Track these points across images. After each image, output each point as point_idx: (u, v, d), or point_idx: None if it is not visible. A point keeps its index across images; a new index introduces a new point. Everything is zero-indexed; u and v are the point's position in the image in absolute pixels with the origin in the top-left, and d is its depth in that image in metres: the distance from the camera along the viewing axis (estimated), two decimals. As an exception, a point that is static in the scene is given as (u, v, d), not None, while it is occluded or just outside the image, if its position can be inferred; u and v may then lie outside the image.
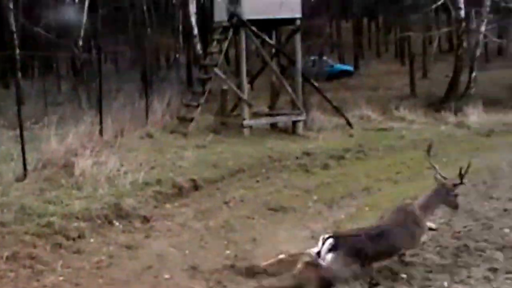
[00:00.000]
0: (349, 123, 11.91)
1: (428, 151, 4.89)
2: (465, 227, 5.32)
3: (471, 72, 17.60)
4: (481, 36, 17.36)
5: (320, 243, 3.90)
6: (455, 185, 4.63)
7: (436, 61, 23.21)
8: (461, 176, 4.60)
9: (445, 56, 25.25)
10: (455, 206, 4.75)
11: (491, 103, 15.78)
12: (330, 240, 3.85)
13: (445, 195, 4.60)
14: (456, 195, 4.65)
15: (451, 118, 13.22)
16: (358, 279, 3.85)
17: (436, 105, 16.23)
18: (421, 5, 20.58)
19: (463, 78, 17.68)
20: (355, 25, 30.76)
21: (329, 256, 3.78)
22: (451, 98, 16.52)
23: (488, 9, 17.32)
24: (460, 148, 9.81)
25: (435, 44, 21.48)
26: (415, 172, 7.83)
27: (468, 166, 4.58)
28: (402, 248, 4.23)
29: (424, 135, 10.57)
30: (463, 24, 17.14)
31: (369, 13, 32.15)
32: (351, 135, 11.22)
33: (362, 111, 13.31)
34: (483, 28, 17.33)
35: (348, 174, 8.17)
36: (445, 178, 4.66)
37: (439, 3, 18.32)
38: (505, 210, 6.06)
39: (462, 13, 17.11)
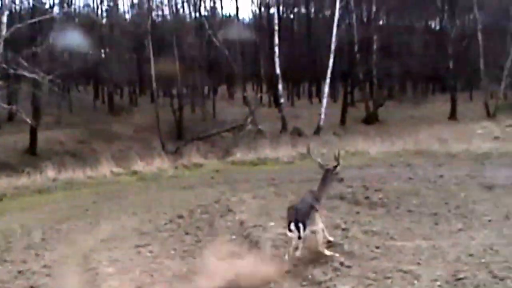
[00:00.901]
0: None
1: (308, 150, 8.24)
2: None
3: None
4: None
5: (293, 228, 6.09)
6: (335, 167, 6.88)
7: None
8: (337, 160, 6.90)
9: None
10: (339, 180, 7.13)
11: (2, 167, 16.91)
12: (300, 224, 6.07)
13: (331, 175, 6.81)
14: (337, 173, 6.89)
15: None
16: None
17: None
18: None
19: None
20: None
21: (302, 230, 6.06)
22: None
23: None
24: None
25: None
26: None
27: (339, 153, 7.05)
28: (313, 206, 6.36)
29: None
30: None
31: None
32: None
33: None
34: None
35: None
36: (326, 164, 6.93)
37: None
38: (19, 272, 6.83)
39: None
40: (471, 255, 6.26)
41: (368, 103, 32.43)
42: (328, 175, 6.87)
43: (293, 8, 40.71)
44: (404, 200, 9.15)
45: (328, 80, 28.67)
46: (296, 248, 6.32)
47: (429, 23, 40.75)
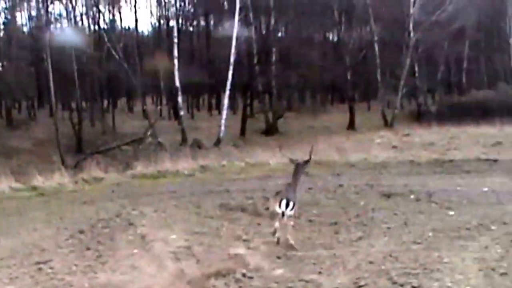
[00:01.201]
0: None
1: (280, 148, 11.98)
2: None
3: None
4: None
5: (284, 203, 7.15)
6: (306, 162, 7.97)
7: None
8: (310, 156, 8.06)
9: None
10: (306, 174, 9.04)
11: None
12: (285, 201, 7.17)
13: (302, 168, 7.85)
14: (306, 167, 8.11)
15: None
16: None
17: None
18: None
19: None
20: None
21: (289, 209, 7.14)
22: None
23: None
24: None
25: None
26: None
27: (312, 149, 8.35)
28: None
29: None
30: None
31: None
32: None
33: None
34: None
35: None
36: (296, 159, 8.10)
37: None
38: None
39: None
40: (371, 262, 6.45)
41: (268, 115, 33.34)
42: (299, 168, 7.87)
43: (193, 21, 41.54)
44: (304, 210, 9.30)
45: (227, 92, 29.23)
46: (277, 228, 7.41)
47: (327, 34, 42.80)
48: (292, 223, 7.54)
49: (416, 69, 35.13)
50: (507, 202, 9.38)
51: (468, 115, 26.34)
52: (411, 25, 32.11)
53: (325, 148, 18.01)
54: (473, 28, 37.36)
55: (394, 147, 19.66)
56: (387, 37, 34.21)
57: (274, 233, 7.55)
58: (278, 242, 7.40)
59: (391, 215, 8.83)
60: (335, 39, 40.32)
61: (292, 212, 7.38)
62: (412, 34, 32.05)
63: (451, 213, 8.81)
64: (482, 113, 27.25)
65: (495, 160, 14.85)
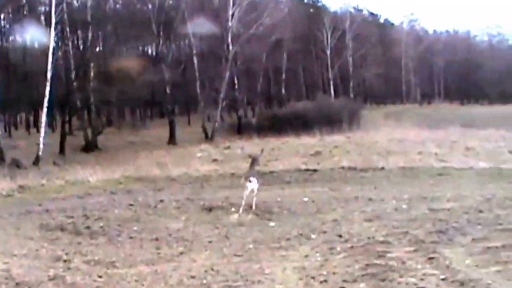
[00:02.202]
0: None
1: (262, 151, 13.52)
2: None
3: None
4: None
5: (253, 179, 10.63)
6: (259, 156, 11.94)
7: None
8: (261, 151, 13.12)
9: None
10: (258, 164, 11.77)
11: None
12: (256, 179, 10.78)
13: (258, 159, 11.46)
14: (259, 158, 11.83)
15: None
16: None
17: None
18: None
19: None
20: None
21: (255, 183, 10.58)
22: None
23: None
24: None
25: None
26: None
27: (263, 149, 13.63)
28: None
29: None
30: None
31: None
32: None
33: None
34: None
35: None
36: (254, 154, 12.34)
37: None
38: None
39: None
40: (193, 277, 6.55)
41: (87, 131, 33.14)
42: (256, 161, 11.36)
43: (8, 36, 40.86)
44: (125, 227, 9.39)
45: (45, 109, 28.95)
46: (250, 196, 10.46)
47: (146, 48, 43.72)
48: (255, 192, 10.55)
49: (236, 81, 36.79)
50: (326, 211, 10.09)
51: (288, 126, 28.31)
52: (229, 38, 33.75)
53: (146, 163, 18.21)
54: (290, 39, 40.35)
55: (215, 160, 20.23)
56: (206, 50, 35.47)
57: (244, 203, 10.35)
58: (251, 207, 10.39)
59: (212, 228, 9.06)
60: (154, 53, 41.05)
61: (257, 185, 10.69)
62: (231, 47, 33.66)
63: (272, 224, 9.26)
64: (302, 124, 29.45)
65: (315, 170, 15.92)
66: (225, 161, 19.80)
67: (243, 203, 10.30)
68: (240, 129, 35.64)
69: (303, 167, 16.76)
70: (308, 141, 23.56)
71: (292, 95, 46.45)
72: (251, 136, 28.09)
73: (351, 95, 48.83)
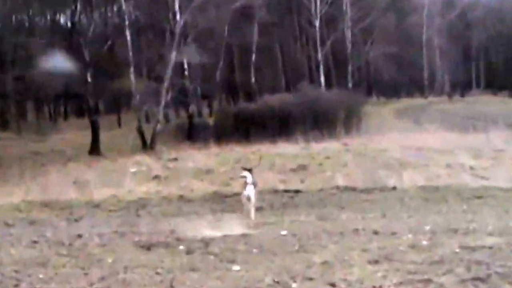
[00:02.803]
0: None
1: (260, 160, 18.23)
2: None
3: None
4: None
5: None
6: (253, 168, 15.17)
7: None
8: (260, 159, 18.04)
9: None
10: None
11: None
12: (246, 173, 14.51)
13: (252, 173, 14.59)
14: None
15: None
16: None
17: None
18: None
19: None
20: None
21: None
22: None
23: None
24: None
25: None
26: None
27: (261, 157, 19.26)
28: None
29: None
30: None
31: None
32: None
33: None
34: None
35: None
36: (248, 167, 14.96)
37: None
38: None
39: None
40: None
41: None
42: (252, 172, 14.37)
43: None
44: (26, 274, 9.19)
45: None
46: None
47: (57, 17, 43.89)
48: (253, 201, 13.42)
49: (186, 66, 36.59)
50: (312, 249, 10.05)
51: (260, 128, 29.19)
52: (176, 4, 33.59)
53: (57, 182, 18.21)
54: (263, 6, 40.83)
55: (156, 177, 20.29)
56: (143, 20, 35.87)
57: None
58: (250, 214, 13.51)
59: (151, 274, 8.97)
60: (69, 24, 40.69)
61: (254, 192, 13.54)
62: (178, 16, 33.42)
63: (236, 268, 9.21)
64: (280, 125, 30.28)
65: (297, 191, 16.21)
66: (170, 178, 19.85)
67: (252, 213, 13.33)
68: (192, 133, 35.46)
69: (281, 187, 17.01)
70: (289, 150, 23.81)
71: (265, 85, 46.25)
72: (207, 142, 28.13)
73: (349, 85, 48.37)
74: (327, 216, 13.04)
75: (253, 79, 44.32)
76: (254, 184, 13.78)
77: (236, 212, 13.95)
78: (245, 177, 13.88)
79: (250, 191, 13.39)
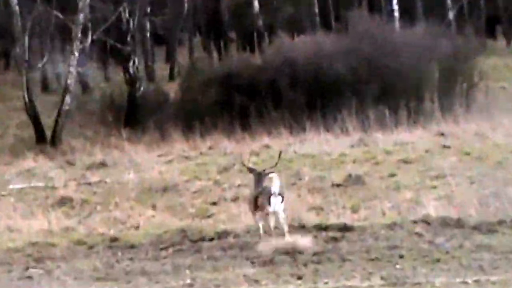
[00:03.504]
0: None
1: (279, 156, 18.12)
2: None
3: None
4: None
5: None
6: (265, 170, 17.01)
7: None
8: (279, 155, 17.93)
9: None
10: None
11: None
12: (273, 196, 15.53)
13: (263, 176, 17.27)
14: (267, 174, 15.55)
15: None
16: None
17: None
18: None
19: None
20: None
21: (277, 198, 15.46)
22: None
23: None
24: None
25: None
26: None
27: (280, 152, 18.35)
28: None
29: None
30: None
31: None
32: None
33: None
34: None
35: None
36: (255, 168, 17.00)
37: None
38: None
39: None
40: None
41: None
42: (261, 177, 15.80)
43: None
44: None
45: None
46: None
47: None
48: (282, 215, 15.49)
49: None
50: None
51: (269, 104, 30.33)
52: None
53: None
54: None
55: (63, 200, 20.72)
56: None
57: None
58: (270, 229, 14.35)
59: None
60: None
61: (282, 205, 15.98)
62: None
63: None
64: (310, 97, 30.85)
65: (345, 229, 15.93)
66: (91, 202, 19.05)
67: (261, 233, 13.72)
68: (134, 115, 32.47)
69: (313, 219, 15.88)
70: (329, 147, 23.44)
71: (279, 17, 42.85)
72: (163, 132, 28.04)
73: (449, 17, 42.43)
74: (403, 279, 12.26)
75: (256, 4, 41.56)
76: (282, 195, 13.79)
77: (219, 270, 13.85)
78: (262, 176, 14.89)
79: (277, 205, 13.73)
